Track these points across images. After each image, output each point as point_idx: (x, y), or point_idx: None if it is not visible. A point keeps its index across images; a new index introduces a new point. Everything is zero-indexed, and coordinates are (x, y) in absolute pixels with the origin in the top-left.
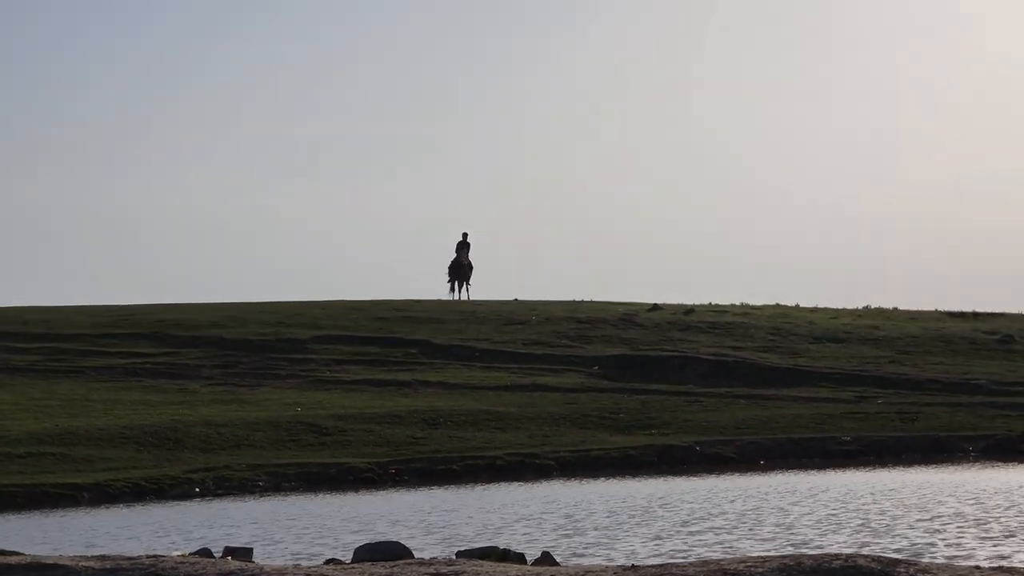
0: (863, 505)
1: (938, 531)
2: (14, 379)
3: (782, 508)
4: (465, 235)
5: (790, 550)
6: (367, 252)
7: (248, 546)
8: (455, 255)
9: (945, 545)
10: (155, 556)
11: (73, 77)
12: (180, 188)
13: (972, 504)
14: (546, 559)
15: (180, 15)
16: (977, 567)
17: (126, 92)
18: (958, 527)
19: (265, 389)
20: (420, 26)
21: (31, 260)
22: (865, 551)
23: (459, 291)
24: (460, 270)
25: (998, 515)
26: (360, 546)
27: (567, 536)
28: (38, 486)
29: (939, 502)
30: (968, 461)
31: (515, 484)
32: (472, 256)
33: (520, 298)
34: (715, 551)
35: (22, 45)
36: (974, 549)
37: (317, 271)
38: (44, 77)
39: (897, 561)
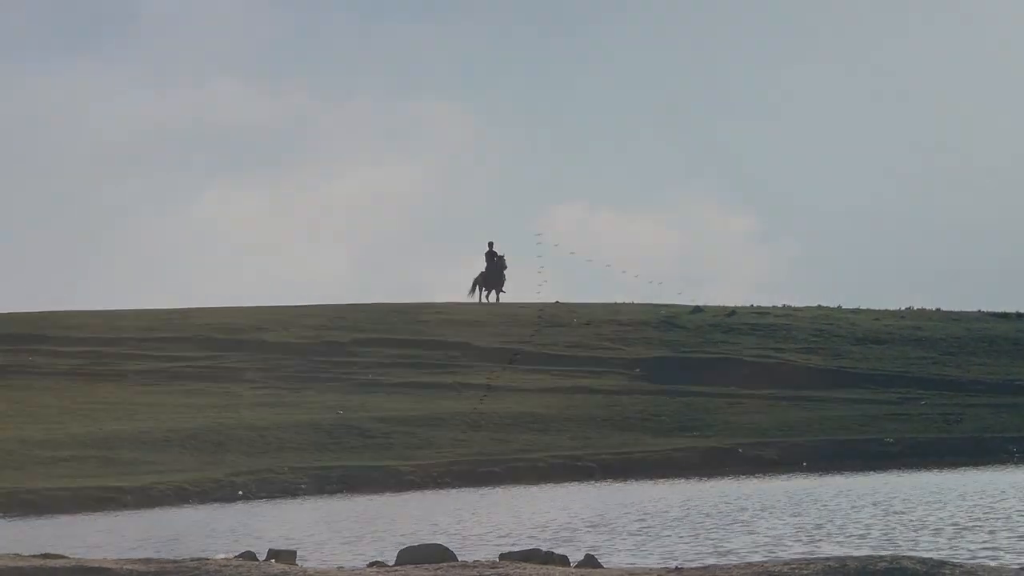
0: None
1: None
2: (59, 383)
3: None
4: (491, 244)
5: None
6: (403, 255)
7: (292, 549)
8: (486, 264)
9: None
10: (199, 559)
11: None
12: (216, 193)
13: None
14: (589, 561)
15: None
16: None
17: (166, 99)
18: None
19: (308, 392)
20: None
21: (75, 265)
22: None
23: (489, 297)
24: (497, 279)
25: None
26: (403, 548)
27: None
28: (82, 489)
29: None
30: (1012, 462)
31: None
32: (508, 261)
33: (561, 300)
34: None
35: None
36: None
37: (357, 274)
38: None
39: (942, 563)
